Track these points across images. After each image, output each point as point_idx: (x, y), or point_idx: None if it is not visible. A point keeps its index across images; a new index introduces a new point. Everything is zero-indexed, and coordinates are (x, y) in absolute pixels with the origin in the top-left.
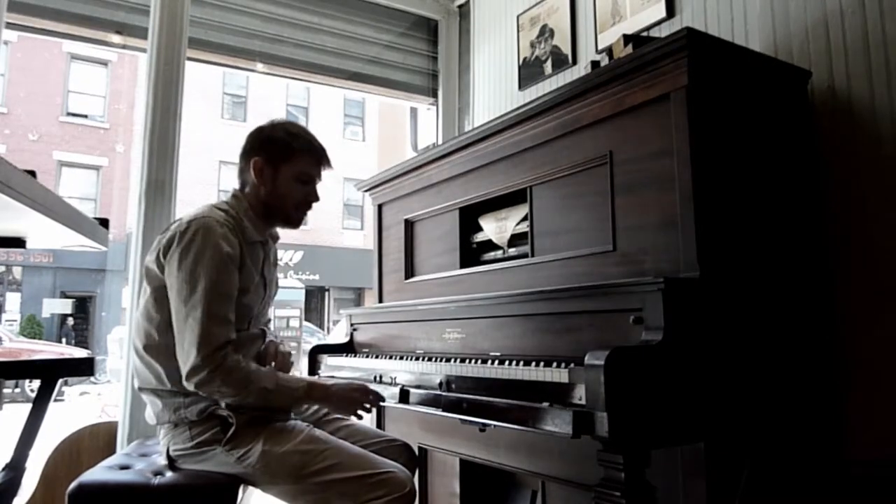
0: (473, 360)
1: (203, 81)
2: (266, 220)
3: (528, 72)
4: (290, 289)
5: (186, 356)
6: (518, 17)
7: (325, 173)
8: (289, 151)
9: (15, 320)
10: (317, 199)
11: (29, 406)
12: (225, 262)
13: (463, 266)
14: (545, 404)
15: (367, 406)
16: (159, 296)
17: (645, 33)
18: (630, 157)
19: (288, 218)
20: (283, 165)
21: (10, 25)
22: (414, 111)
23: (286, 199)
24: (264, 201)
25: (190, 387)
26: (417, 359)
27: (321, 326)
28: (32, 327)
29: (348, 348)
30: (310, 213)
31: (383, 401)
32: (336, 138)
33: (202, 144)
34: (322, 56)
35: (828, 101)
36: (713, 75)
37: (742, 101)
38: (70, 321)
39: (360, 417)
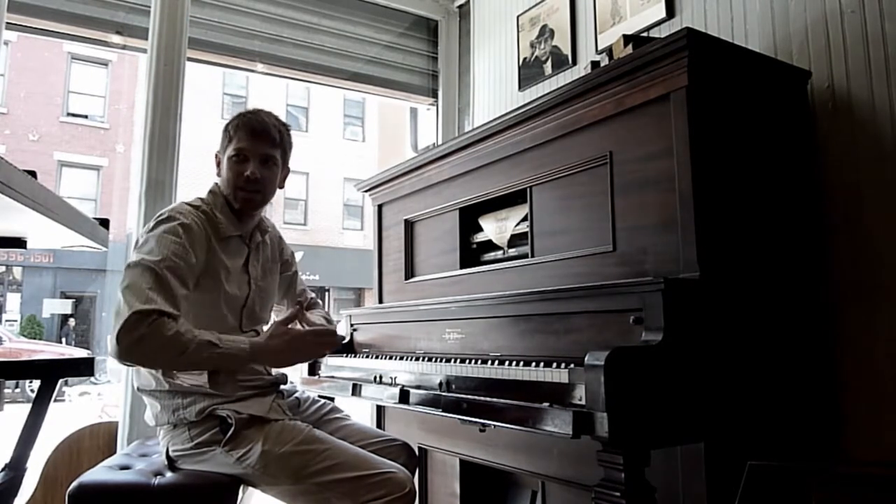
0: (473, 361)
1: (203, 81)
2: (234, 210)
3: (528, 72)
4: None
5: (115, 322)
6: (518, 18)
7: (269, 150)
8: (227, 136)
9: (15, 320)
10: (254, 173)
11: (29, 406)
12: (173, 241)
13: (463, 266)
14: (545, 404)
15: (316, 350)
16: None
17: (645, 33)
18: (630, 158)
19: (235, 199)
20: (225, 151)
21: (10, 25)
22: (414, 111)
23: (228, 182)
24: (223, 192)
25: (116, 357)
26: (417, 359)
27: None
28: (33, 327)
29: (348, 348)
30: (310, 214)
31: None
32: (336, 138)
33: (202, 144)
34: (322, 56)
35: (827, 101)
36: (713, 75)
37: (742, 101)
38: (71, 322)
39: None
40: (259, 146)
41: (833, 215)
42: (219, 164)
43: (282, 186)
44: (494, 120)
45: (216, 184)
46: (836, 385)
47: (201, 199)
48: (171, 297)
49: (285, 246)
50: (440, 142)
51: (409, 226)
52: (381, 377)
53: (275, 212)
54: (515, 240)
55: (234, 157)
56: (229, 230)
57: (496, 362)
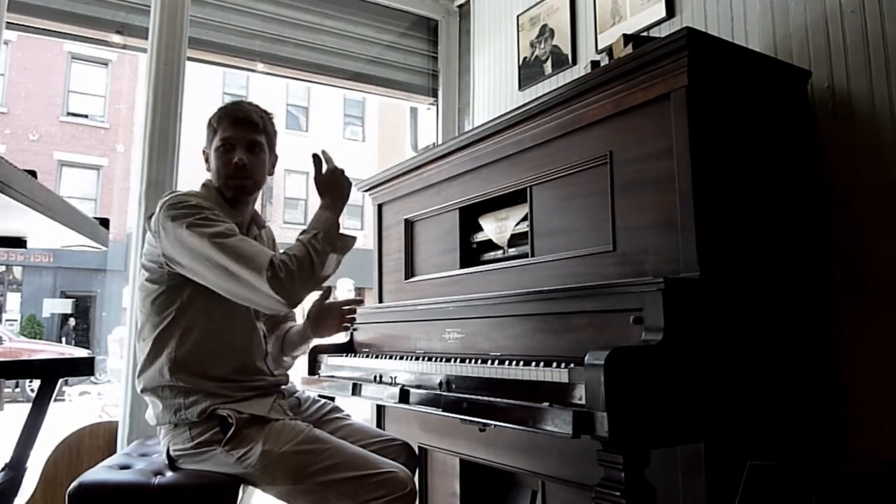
0: (473, 360)
1: (203, 81)
2: (228, 201)
3: (528, 72)
4: None
5: (257, 290)
6: (518, 17)
7: (254, 136)
8: (212, 130)
9: (15, 320)
10: (242, 160)
11: (29, 406)
12: (213, 213)
13: (463, 266)
14: (545, 404)
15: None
16: (150, 287)
17: (645, 33)
18: (630, 157)
19: (227, 188)
20: (212, 144)
21: (10, 25)
22: (414, 111)
23: (218, 174)
24: (214, 185)
25: (285, 310)
26: (417, 359)
27: None
28: (33, 327)
29: (348, 348)
30: (310, 213)
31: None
32: (336, 138)
33: (202, 144)
34: (322, 56)
35: (827, 100)
36: (713, 75)
37: (742, 101)
38: (71, 321)
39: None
40: (243, 133)
41: (833, 215)
42: (207, 160)
43: (271, 173)
44: (494, 120)
45: (207, 179)
46: (836, 385)
47: (195, 192)
48: (256, 247)
49: (276, 246)
50: (440, 141)
51: (409, 225)
52: (381, 377)
53: (275, 212)
54: (515, 239)
55: (220, 148)
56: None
57: (496, 362)
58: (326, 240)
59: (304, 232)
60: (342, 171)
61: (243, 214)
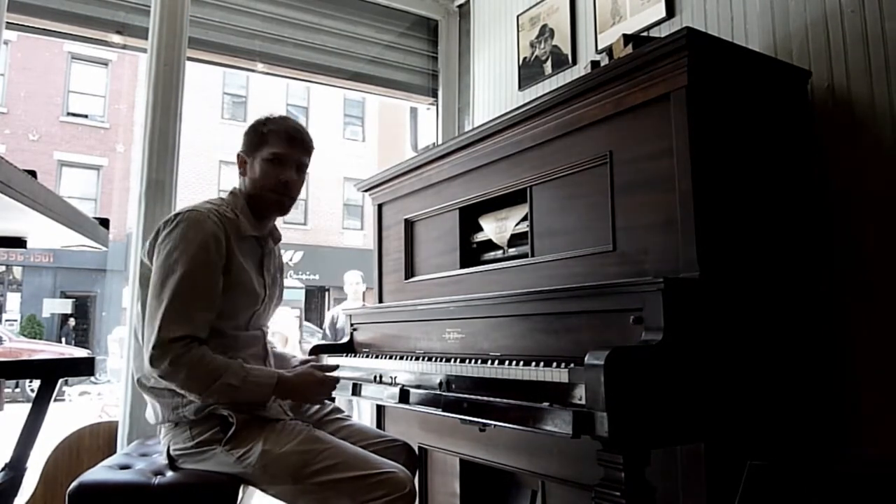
0: (473, 360)
1: (203, 81)
2: (256, 213)
3: (528, 72)
4: (290, 289)
5: (147, 344)
6: (518, 17)
7: (304, 157)
8: (259, 137)
9: (15, 320)
10: (291, 179)
11: (29, 406)
12: (205, 259)
13: (463, 266)
14: (545, 404)
15: (327, 397)
16: (146, 287)
17: (645, 33)
18: (630, 157)
19: (268, 203)
20: (257, 153)
21: (10, 25)
22: (414, 111)
23: (261, 184)
24: (248, 193)
25: (154, 374)
26: (417, 359)
27: (321, 326)
28: (33, 327)
29: (348, 348)
30: (310, 213)
31: (338, 381)
32: (336, 138)
33: (202, 144)
34: (322, 56)
35: (827, 100)
36: (713, 75)
37: (742, 101)
38: (71, 321)
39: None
40: (295, 153)
41: (833, 214)
42: (242, 165)
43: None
44: (494, 119)
45: (236, 187)
46: (836, 384)
47: (222, 199)
48: (193, 320)
49: (283, 266)
50: (440, 141)
51: (409, 225)
52: (381, 377)
53: None
54: (515, 239)
55: (270, 160)
56: (248, 230)
57: (496, 362)
58: (236, 394)
59: (245, 369)
60: (327, 388)
61: (265, 228)
